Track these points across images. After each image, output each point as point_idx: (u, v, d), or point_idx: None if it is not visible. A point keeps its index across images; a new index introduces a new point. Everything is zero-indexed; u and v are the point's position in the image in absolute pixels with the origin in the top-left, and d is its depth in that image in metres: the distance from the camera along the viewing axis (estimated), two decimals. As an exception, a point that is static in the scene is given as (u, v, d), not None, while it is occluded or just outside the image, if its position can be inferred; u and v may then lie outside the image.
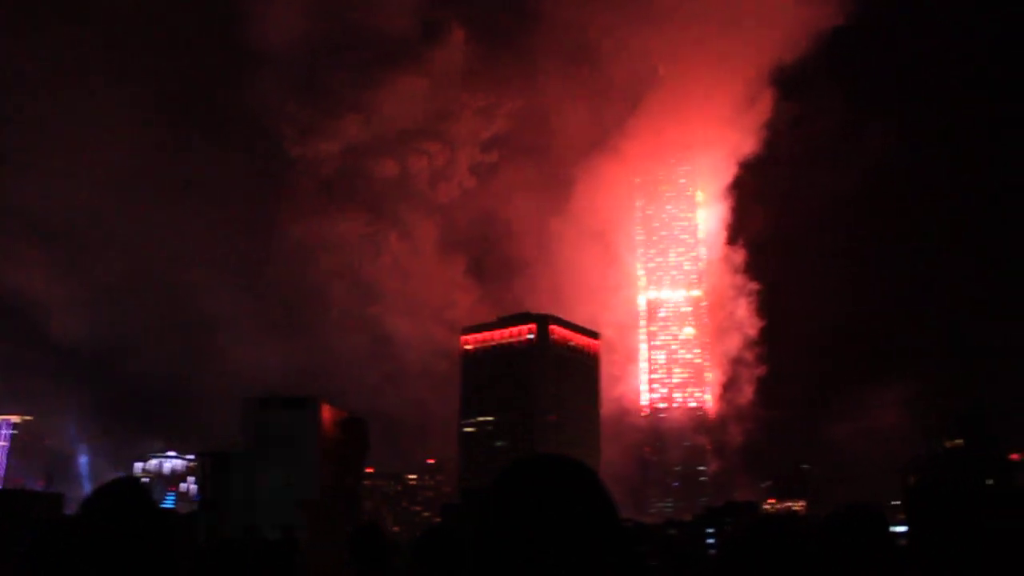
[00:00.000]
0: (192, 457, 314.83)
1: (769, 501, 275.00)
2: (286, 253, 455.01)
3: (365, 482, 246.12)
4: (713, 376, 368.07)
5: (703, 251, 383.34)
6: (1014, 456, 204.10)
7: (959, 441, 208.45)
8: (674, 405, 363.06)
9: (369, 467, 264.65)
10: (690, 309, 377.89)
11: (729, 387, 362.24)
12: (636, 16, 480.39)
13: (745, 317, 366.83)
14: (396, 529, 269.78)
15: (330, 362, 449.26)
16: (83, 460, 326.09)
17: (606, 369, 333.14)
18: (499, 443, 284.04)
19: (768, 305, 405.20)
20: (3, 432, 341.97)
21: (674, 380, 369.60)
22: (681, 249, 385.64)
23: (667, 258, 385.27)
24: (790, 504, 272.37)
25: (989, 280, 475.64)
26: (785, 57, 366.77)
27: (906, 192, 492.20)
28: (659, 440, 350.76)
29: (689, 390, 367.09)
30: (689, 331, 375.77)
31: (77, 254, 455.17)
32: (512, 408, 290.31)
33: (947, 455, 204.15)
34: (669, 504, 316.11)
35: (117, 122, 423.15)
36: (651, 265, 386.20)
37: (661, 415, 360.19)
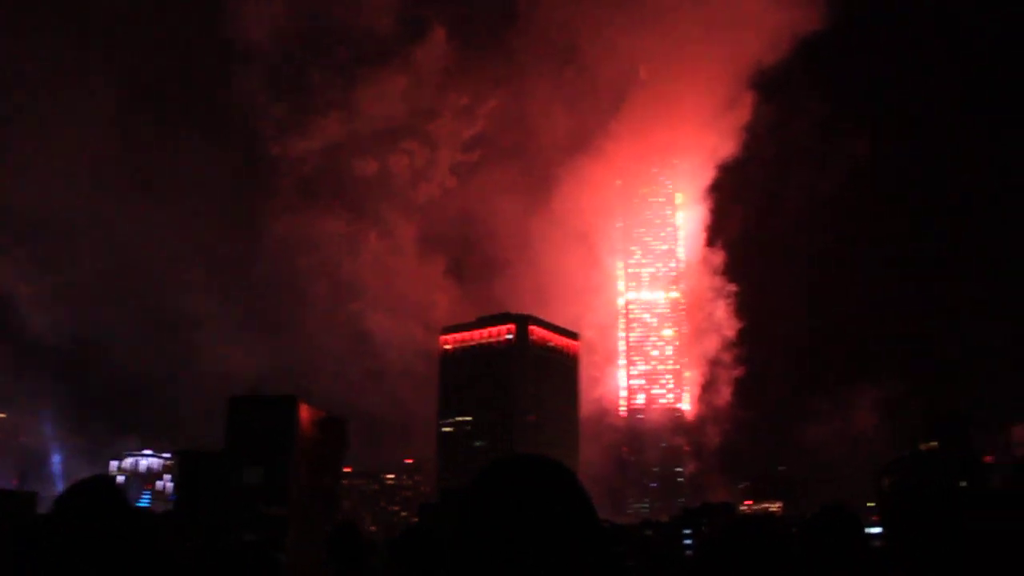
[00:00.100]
0: (169, 455, 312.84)
1: (746, 502, 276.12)
2: (266, 251, 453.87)
3: (343, 482, 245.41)
4: (691, 377, 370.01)
5: (682, 253, 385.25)
6: (988, 458, 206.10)
7: (934, 443, 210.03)
8: (652, 406, 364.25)
9: (347, 466, 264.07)
10: (669, 310, 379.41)
11: (707, 388, 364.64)
12: (619, 19, 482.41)
13: (723, 318, 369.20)
14: (373, 529, 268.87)
15: (309, 360, 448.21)
16: (57, 458, 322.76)
17: (585, 370, 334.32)
18: (478, 443, 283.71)
19: (746, 307, 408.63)
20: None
21: (652, 381, 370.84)
22: (661, 249, 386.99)
23: (647, 259, 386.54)
24: (767, 505, 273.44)
25: (966, 283, 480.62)
26: (765, 60, 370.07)
27: (884, 195, 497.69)
28: (637, 441, 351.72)
29: (666, 390, 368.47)
30: (668, 332, 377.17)
31: (55, 250, 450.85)
32: (491, 408, 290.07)
33: (922, 457, 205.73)
34: (646, 505, 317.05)
35: (96, 118, 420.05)
36: (631, 266, 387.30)
37: (639, 416, 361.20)
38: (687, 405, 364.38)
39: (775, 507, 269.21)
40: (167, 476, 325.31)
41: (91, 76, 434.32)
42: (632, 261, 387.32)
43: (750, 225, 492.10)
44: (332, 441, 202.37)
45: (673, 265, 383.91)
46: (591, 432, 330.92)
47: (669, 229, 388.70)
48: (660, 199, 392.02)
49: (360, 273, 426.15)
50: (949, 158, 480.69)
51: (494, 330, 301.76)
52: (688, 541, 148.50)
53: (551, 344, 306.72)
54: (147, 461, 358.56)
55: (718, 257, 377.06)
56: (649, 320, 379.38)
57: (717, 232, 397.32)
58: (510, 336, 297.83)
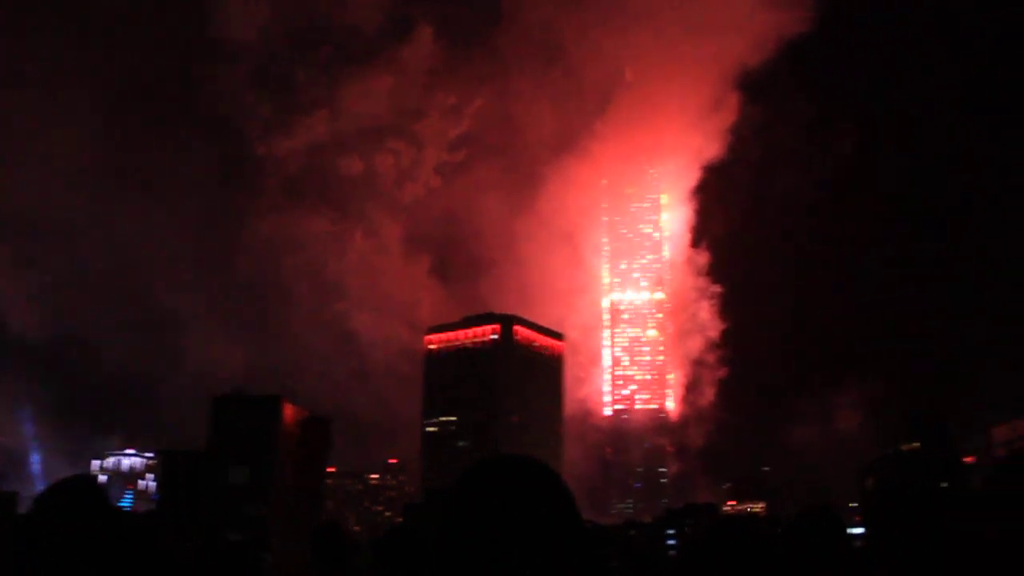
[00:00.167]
0: (152, 455, 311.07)
1: (729, 503, 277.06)
2: (251, 250, 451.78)
3: (327, 481, 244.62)
4: (675, 378, 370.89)
5: (667, 253, 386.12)
6: (969, 459, 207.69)
7: (916, 444, 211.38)
8: (636, 407, 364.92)
9: (331, 466, 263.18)
10: (653, 311, 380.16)
11: (691, 389, 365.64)
12: (605, 20, 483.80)
13: (707, 319, 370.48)
14: (357, 529, 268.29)
15: (294, 360, 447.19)
16: (37, 458, 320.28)
17: (570, 371, 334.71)
18: (462, 443, 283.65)
19: (730, 308, 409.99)
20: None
21: (636, 382, 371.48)
22: (646, 250, 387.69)
23: (631, 260, 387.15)
24: (750, 506, 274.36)
25: (948, 284, 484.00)
26: (751, 62, 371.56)
27: (868, 197, 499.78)
28: (621, 441, 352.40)
29: (650, 391, 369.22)
30: (652, 333, 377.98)
31: (36, 248, 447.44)
32: (475, 408, 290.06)
33: (904, 457, 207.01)
34: (630, 505, 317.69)
35: (80, 117, 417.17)
36: (616, 267, 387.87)
37: (623, 416, 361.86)
38: (671, 406, 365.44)
39: (758, 508, 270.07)
40: (150, 476, 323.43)
41: (75, 75, 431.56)
42: (617, 261, 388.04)
43: (735, 226, 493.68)
44: (316, 441, 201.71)
45: (658, 266, 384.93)
46: (575, 432, 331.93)
47: (654, 230, 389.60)
48: (645, 203, 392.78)
49: (345, 273, 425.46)
50: (935, 159, 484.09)
51: (479, 330, 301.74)
52: (671, 542, 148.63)
53: (536, 344, 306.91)
54: (130, 460, 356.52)
55: (703, 258, 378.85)
56: (634, 321, 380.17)
57: (702, 233, 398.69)
58: (495, 336, 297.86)
